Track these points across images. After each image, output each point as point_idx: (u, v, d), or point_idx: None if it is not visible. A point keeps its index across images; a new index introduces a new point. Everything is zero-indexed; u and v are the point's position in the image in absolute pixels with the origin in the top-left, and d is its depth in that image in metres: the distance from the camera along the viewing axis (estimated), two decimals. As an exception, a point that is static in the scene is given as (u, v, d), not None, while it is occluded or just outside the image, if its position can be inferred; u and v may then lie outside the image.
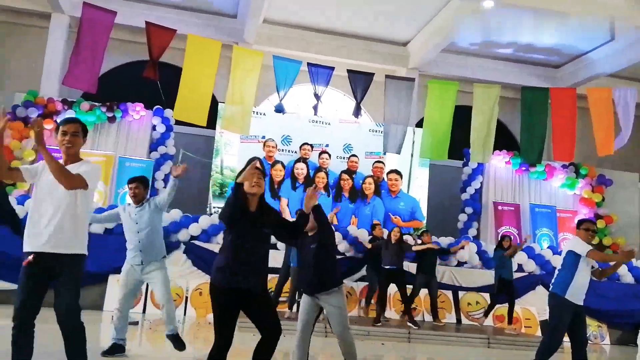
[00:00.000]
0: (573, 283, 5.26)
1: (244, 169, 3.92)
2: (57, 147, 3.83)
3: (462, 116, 11.74)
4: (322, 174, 10.63)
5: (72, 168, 3.68)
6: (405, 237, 9.48)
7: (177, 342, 5.38)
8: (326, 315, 4.89)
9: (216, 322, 3.78)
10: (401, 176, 11.15)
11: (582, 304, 5.32)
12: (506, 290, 9.18)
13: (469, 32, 12.97)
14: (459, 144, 12.22)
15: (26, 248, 3.59)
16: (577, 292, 5.27)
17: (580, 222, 5.60)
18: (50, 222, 3.58)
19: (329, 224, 5.04)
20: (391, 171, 11.15)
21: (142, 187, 5.52)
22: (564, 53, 13.91)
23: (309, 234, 4.80)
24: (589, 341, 9.94)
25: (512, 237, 10.11)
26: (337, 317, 4.74)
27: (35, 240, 3.57)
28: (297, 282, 7.81)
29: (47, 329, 3.91)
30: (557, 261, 10.34)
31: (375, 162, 11.64)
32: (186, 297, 8.82)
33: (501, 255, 9.17)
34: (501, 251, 9.22)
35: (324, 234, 4.79)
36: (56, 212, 3.60)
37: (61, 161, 3.69)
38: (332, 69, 11.43)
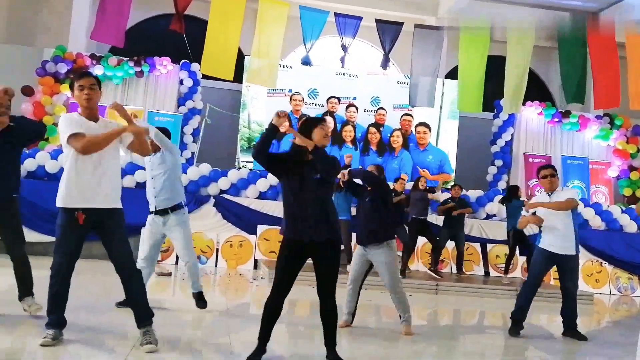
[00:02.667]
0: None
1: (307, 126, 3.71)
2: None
3: (492, 66, 11.44)
4: (349, 128, 10.57)
5: (100, 127, 3.78)
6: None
7: (200, 301, 5.33)
8: (376, 269, 4.99)
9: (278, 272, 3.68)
10: (430, 129, 11.05)
11: (560, 252, 5.42)
12: (520, 242, 8.94)
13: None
14: (489, 96, 11.94)
15: (73, 204, 3.67)
16: (546, 240, 5.51)
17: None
18: (104, 179, 3.75)
19: (381, 180, 5.21)
20: (419, 124, 11.05)
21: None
22: (601, -2, 13.28)
23: (368, 188, 5.05)
24: (619, 293, 9.94)
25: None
26: (386, 272, 4.84)
27: (87, 196, 3.69)
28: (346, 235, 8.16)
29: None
30: (588, 214, 10.37)
31: (403, 114, 11.51)
32: (217, 250, 9.00)
33: (510, 206, 8.86)
34: (518, 202, 8.76)
35: (379, 189, 5.04)
36: (105, 170, 3.78)
37: (79, 113, 3.80)
38: (360, 19, 11.19)
